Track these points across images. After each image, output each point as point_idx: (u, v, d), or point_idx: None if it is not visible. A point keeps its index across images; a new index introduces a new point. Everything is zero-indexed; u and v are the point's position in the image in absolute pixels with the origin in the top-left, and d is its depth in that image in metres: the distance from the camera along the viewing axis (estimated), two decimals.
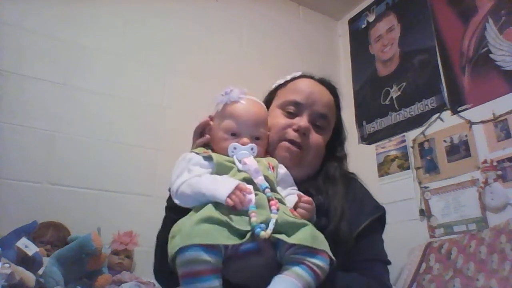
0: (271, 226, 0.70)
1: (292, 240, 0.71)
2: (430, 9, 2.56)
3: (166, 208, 0.91)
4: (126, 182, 2.09)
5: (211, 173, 0.80)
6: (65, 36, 2.15)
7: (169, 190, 0.85)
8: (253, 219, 0.70)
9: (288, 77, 1.06)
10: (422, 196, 2.32)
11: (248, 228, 0.70)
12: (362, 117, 2.88)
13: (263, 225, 0.70)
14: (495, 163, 2.01)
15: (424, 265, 1.97)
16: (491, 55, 2.16)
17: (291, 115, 0.96)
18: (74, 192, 1.95)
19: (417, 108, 2.50)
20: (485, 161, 2.05)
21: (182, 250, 0.66)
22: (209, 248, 0.66)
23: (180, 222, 0.73)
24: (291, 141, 0.93)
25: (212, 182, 0.75)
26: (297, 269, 0.70)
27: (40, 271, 1.41)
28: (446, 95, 2.35)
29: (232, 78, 2.47)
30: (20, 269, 1.29)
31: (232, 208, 0.71)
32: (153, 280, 1.71)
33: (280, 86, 1.05)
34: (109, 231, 1.85)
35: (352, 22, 3.21)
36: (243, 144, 0.83)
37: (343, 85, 3.12)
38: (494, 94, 2.10)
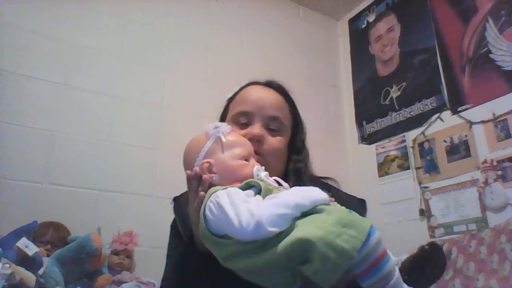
0: None
1: None
2: (430, 9, 2.56)
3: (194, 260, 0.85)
4: (126, 182, 2.08)
5: None
6: (65, 36, 2.15)
7: (188, 236, 0.83)
8: None
9: (237, 89, 1.07)
10: (422, 196, 2.32)
11: None
12: (362, 117, 2.88)
13: None
14: (495, 163, 2.01)
15: None
16: (491, 55, 2.15)
17: (244, 126, 0.96)
18: (74, 192, 1.95)
19: (417, 108, 2.50)
20: (485, 161, 2.05)
21: (371, 231, 0.63)
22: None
23: (325, 223, 0.65)
24: None
25: (295, 194, 0.71)
26: None
27: (40, 271, 1.41)
28: (446, 95, 2.35)
29: (232, 78, 2.45)
30: (20, 269, 1.29)
31: None
32: (153, 280, 1.72)
33: (231, 100, 1.05)
34: (109, 231, 1.85)
35: (352, 22, 3.20)
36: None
37: (343, 85, 3.13)
38: (494, 94, 2.10)
